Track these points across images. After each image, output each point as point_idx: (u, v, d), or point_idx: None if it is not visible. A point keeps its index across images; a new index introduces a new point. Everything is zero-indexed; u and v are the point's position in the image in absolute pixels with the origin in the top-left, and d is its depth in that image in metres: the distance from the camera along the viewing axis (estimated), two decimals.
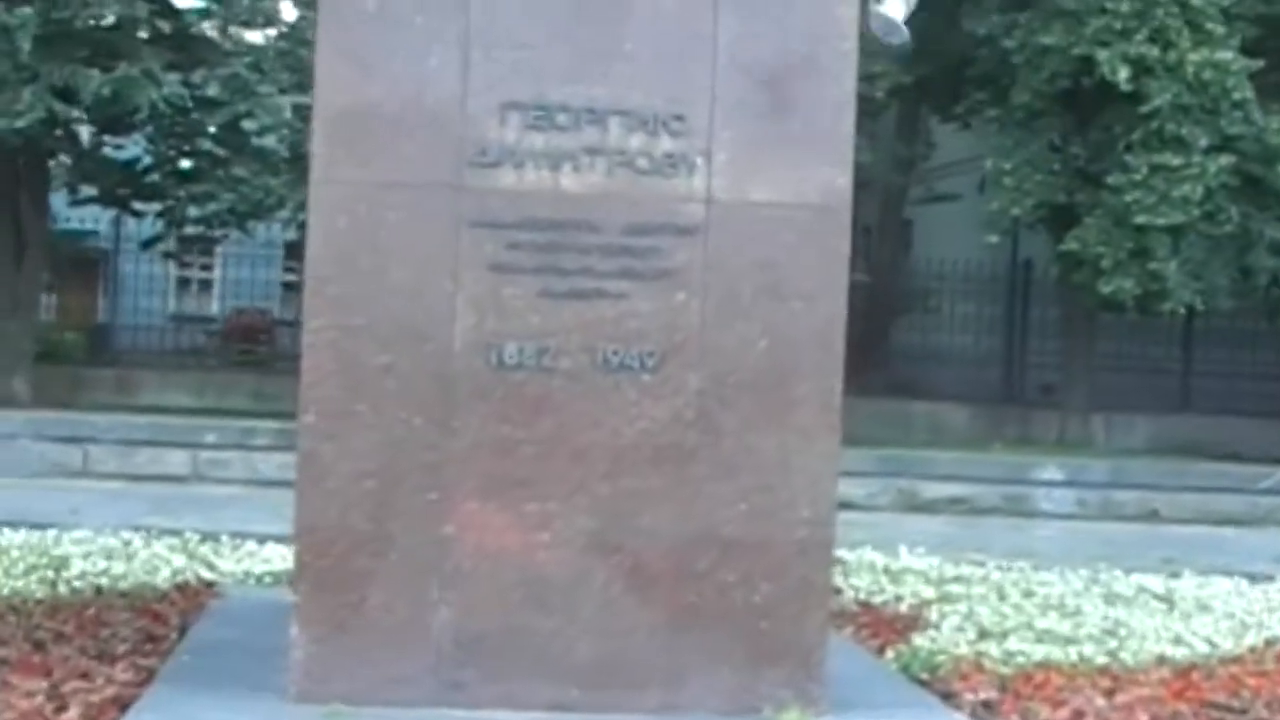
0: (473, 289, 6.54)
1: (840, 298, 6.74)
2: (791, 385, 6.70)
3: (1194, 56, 20.37)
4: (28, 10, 20.18)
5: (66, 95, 20.60)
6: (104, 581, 9.25)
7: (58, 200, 26.79)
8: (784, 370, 6.69)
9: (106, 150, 24.87)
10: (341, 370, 6.50)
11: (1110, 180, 20.99)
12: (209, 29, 23.23)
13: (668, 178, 6.62)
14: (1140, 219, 20.53)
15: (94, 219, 30.33)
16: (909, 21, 22.12)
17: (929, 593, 10.15)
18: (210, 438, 18.70)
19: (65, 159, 24.35)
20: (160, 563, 10.05)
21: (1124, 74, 20.30)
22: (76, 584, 9.15)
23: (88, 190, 25.58)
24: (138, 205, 25.91)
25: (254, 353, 30.37)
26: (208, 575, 9.80)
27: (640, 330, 6.61)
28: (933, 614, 9.40)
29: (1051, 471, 19.85)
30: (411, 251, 6.55)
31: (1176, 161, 20.55)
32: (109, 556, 10.14)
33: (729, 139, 6.67)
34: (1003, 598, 10.10)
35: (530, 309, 6.56)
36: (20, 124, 20.03)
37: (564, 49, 6.64)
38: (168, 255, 29.77)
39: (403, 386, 6.52)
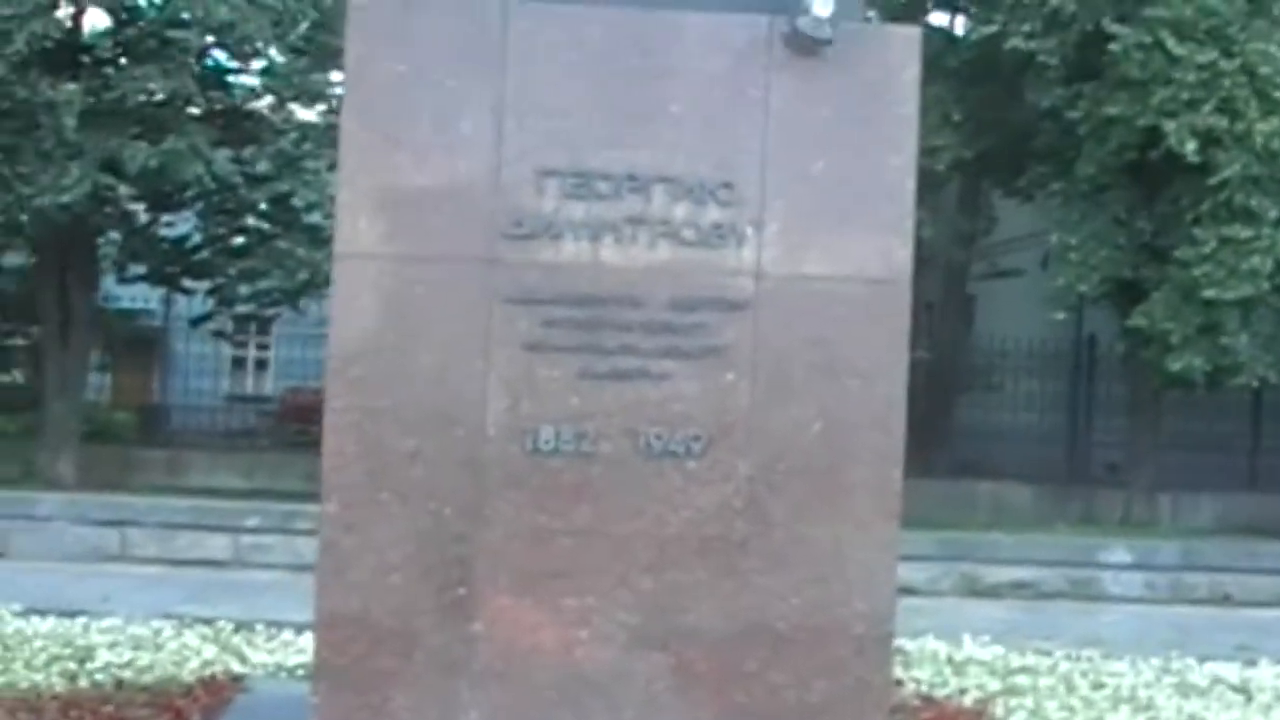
0: (506, 369, 6.18)
1: (900, 377, 6.34)
2: (847, 471, 6.30)
3: (1262, 126, 19.88)
4: (72, 87, 19.98)
5: (113, 169, 20.31)
6: (128, 674, 8.88)
7: (112, 279, 26.53)
8: (840, 455, 6.30)
9: (156, 227, 24.58)
10: (365, 455, 6.13)
11: (1178, 254, 20.50)
12: (261, 105, 22.98)
13: (715, 249, 6.28)
14: (1209, 293, 20.00)
15: (146, 298, 30.13)
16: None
17: (994, 685, 9.68)
18: (252, 521, 18.29)
19: (115, 236, 24.06)
20: (190, 654, 9.67)
21: (1191, 145, 19.82)
22: (99, 677, 8.78)
23: (137, 268, 25.26)
24: (188, 283, 25.63)
25: (309, 433, 30.01)
26: (238, 668, 9.37)
27: (686, 413, 6.23)
28: (998, 709, 8.94)
29: (1119, 554, 19.23)
30: (441, 330, 6.21)
31: (1246, 234, 20.04)
32: (137, 647, 9.77)
33: (780, 208, 6.31)
34: (1071, 690, 9.62)
35: (568, 390, 6.20)
36: (66, 199, 19.75)
37: (604, 113, 6.29)
38: (218, 334, 29.51)
39: (430, 474, 6.14)
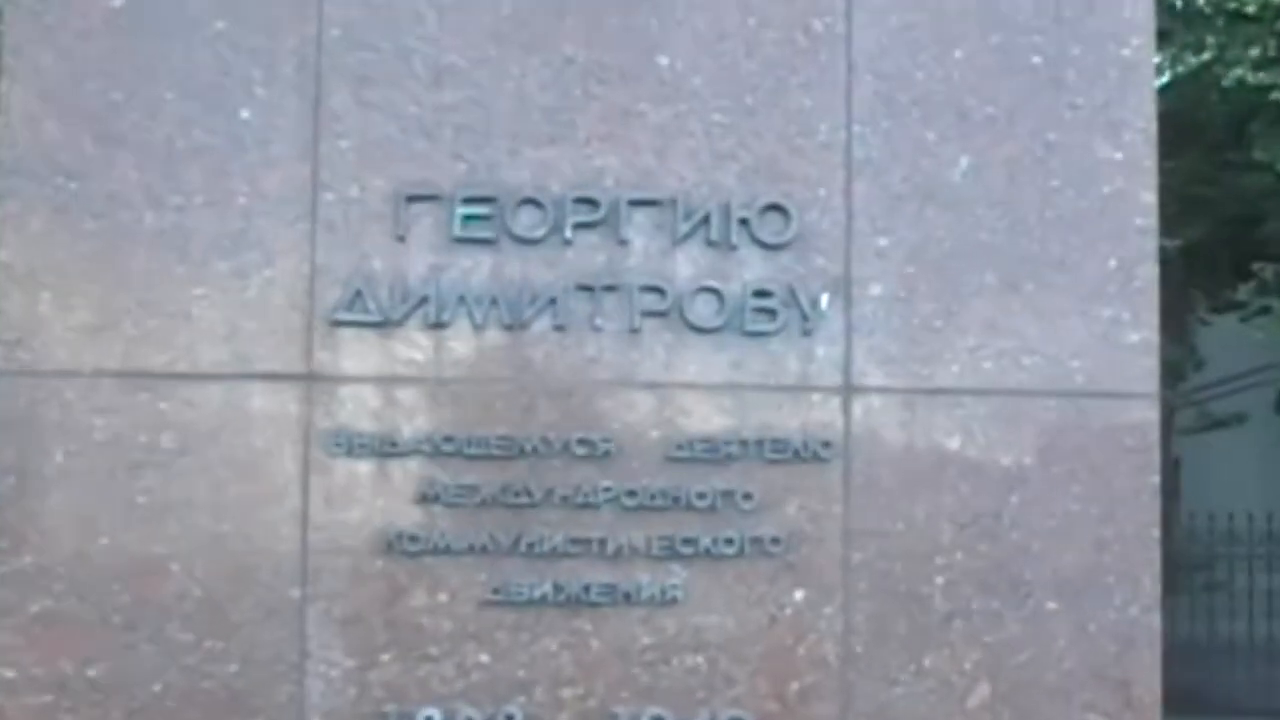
0: (338, 584, 4.50)
1: (1151, 593, 4.68)
2: None
3: None
4: None
5: None
6: None
7: None
8: None
9: None
10: None
11: None
12: None
13: (759, 341, 4.57)
14: None
15: None
16: None
17: None
18: None
19: None
20: None
21: None
22: None
23: None
24: None
25: None
26: None
27: (709, 675, 4.51)
28: None
29: None
30: (212, 503, 4.48)
31: None
32: None
33: (888, 253, 4.62)
34: None
35: (464, 632, 4.49)
36: None
37: (530, 74, 4.61)
38: None
39: None
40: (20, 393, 4.48)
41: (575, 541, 4.41)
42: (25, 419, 4.45)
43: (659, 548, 4.43)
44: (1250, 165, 20.04)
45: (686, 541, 4.48)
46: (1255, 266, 21.62)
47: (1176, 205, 20.04)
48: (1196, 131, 20.06)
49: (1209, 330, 25.40)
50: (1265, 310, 22.08)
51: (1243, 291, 22.42)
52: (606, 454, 4.45)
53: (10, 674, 4.42)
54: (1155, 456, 4.83)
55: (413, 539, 4.39)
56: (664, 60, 4.56)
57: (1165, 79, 20.70)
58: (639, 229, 4.49)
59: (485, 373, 4.47)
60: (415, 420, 4.41)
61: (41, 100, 4.56)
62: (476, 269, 4.46)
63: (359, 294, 4.41)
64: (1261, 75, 18.88)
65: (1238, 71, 18.96)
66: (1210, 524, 25.21)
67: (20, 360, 4.52)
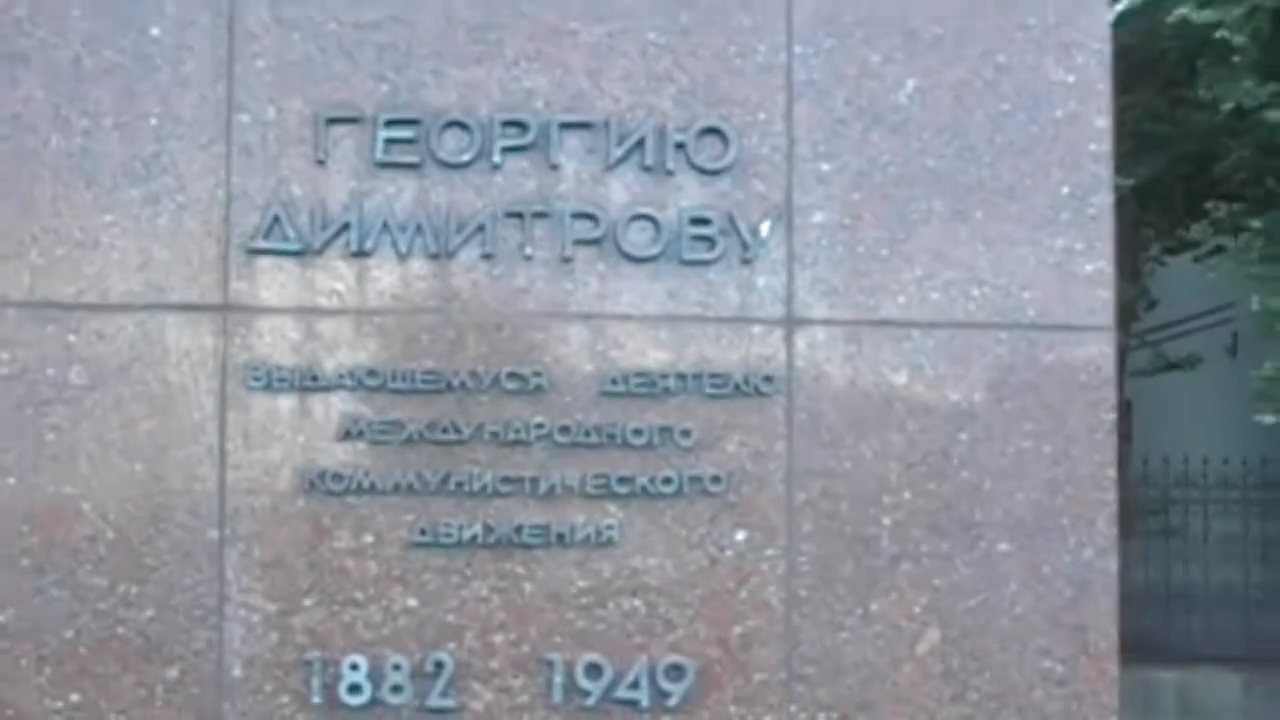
0: (258, 526, 4.48)
1: (1108, 537, 4.69)
2: None
3: None
4: None
5: None
6: None
7: None
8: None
9: None
10: None
11: None
12: None
13: (696, 270, 4.58)
14: None
15: None
16: None
17: None
18: None
19: None
20: None
21: None
22: None
23: None
24: None
25: None
26: None
27: (648, 619, 4.53)
28: None
29: None
30: (126, 440, 4.44)
31: None
32: None
33: (832, 178, 4.60)
34: None
35: (390, 576, 4.48)
36: None
37: None
38: None
39: None
40: None
41: (506, 480, 4.34)
42: None
43: (593, 487, 4.37)
44: (1202, 103, 19.99)
45: (622, 480, 4.42)
46: (1209, 205, 21.51)
47: (1130, 142, 20.00)
48: (1149, 67, 19.99)
49: (1162, 271, 25.34)
50: (1219, 250, 22.01)
51: (1196, 230, 22.26)
52: (538, 389, 4.39)
53: None
54: (1111, 393, 4.78)
55: (336, 478, 4.32)
56: None
57: (1116, 10, 20.67)
58: (571, 153, 4.45)
59: (410, 304, 4.39)
60: (337, 353, 4.33)
61: None
62: (400, 195, 4.39)
63: (277, 221, 4.34)
64: (1205, 13, 18.81)
65: (1181, 10, 18.89)
66: (1165, 468, 25.07)
67: None
